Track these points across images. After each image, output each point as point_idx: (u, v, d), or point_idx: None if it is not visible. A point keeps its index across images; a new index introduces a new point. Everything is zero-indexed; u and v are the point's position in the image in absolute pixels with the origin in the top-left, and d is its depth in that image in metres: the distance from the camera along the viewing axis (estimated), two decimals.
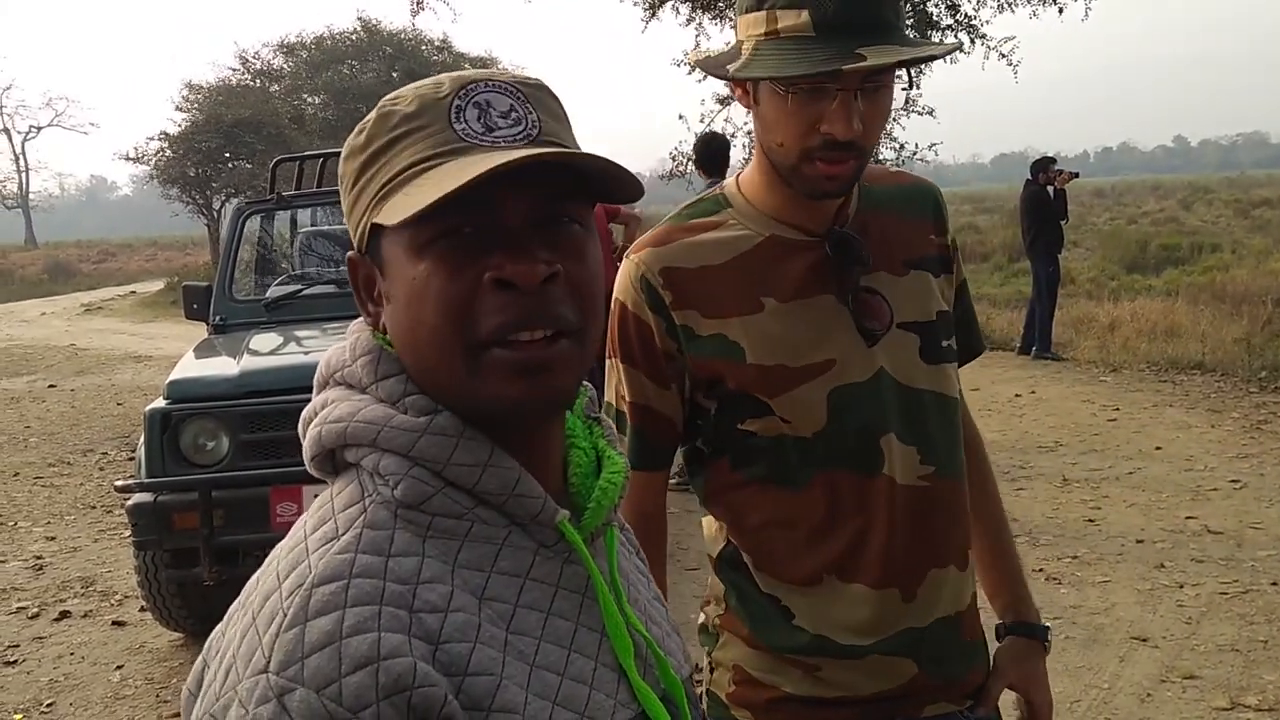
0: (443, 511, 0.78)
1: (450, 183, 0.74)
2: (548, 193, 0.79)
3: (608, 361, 1.53)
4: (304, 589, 0.71)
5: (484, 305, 0.77)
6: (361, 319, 0.88)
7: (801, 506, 1.43)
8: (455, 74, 0.83)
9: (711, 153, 6.31)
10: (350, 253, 0.87)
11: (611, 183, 0.82)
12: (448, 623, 0.73)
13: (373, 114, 0.84)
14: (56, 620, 5.04)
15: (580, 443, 0.90)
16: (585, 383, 0.92)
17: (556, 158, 0.77)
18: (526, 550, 0.81)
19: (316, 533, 0.77)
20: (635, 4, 16.23)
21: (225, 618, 0.79)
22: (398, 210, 0.77)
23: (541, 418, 0.82)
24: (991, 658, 1.60)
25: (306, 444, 0.84)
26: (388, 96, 0.84)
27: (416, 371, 0.82)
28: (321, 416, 0.83)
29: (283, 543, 0.80)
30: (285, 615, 0.70)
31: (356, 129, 0.85)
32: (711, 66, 1.42)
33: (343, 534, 0.76)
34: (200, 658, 0.79)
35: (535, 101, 0.82)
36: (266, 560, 0.80)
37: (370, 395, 0.82)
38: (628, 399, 1.50)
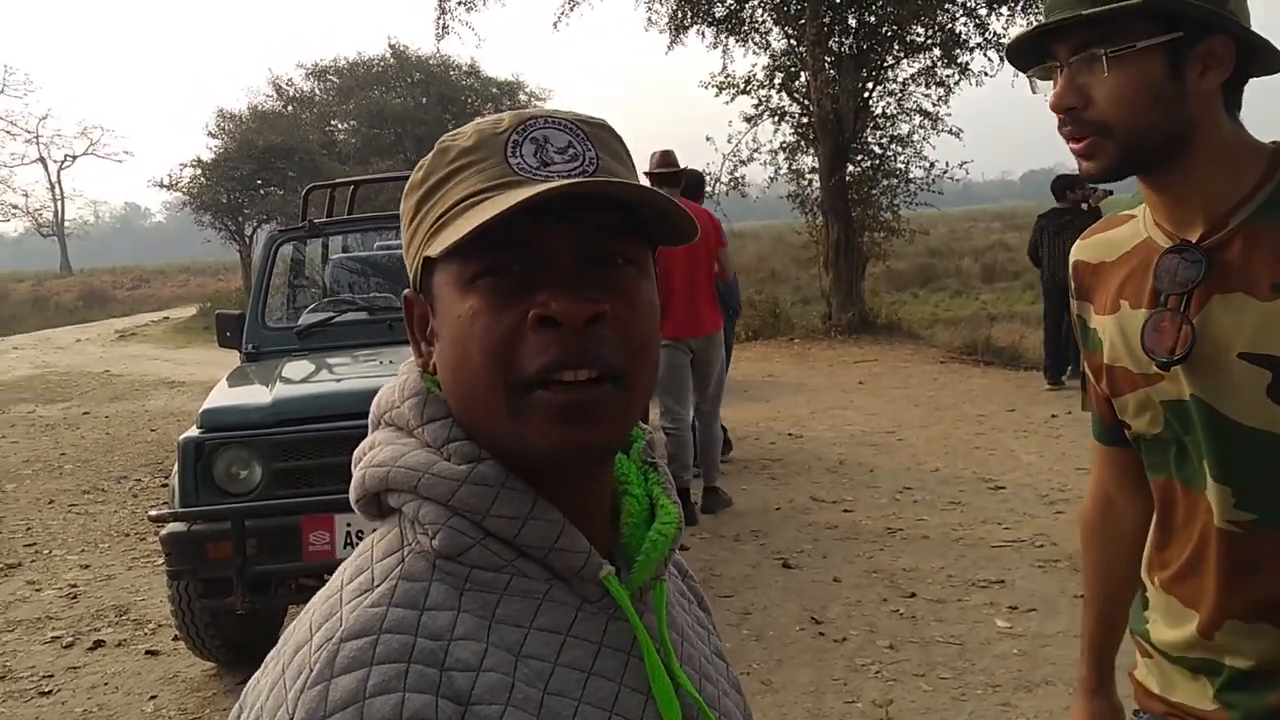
0: (482, 564, 0.76)
1: (489, 213, 0.72)
2: (600, 231, 0.77)
3: None
4: (332, 643, 0.70)
5: (527, 344, 0.75)
6: (412, 358, 0.87)
7: (1155, 504, 1.48)
8: (516, 110, 0.81)
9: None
10: (406, 291, 0.86)
11: (663, 221, 0.80)
12: (479, 683, 0.71)
13: (433, 150, 0.83)
14: (91, 649, 5.04)
15: (634, 489, 0.87)
16: (642, 425, 0.89)
17: (596, 188, 0.75)
18: (568, 606, 0.78)
19: (353, 583, 0.76)
20: (661, 31, 16.40)
21: (263, 664, 0.78)
22: (442, 242, 0.76)
23: (582, 467, 0.79)
24: None
25: (352, 486, 0.83)
26: (448, 133, 0.83)
27: (461, 413, 0.80)
28: (367, 459, 0.82)
29: (322, 590, 0.79)
30: (312, 670, 0.69)
31: (417, 166, 0.84)
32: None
33: (378, 585, 0.75)
34: (237, 704, 0.77)
35: (595, 139, 0.80)
36: (306, 607, 0.79)
37: (416, 439, 0.81)
38: (1087, 369, 1.57)
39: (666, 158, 6.66)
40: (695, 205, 6.68)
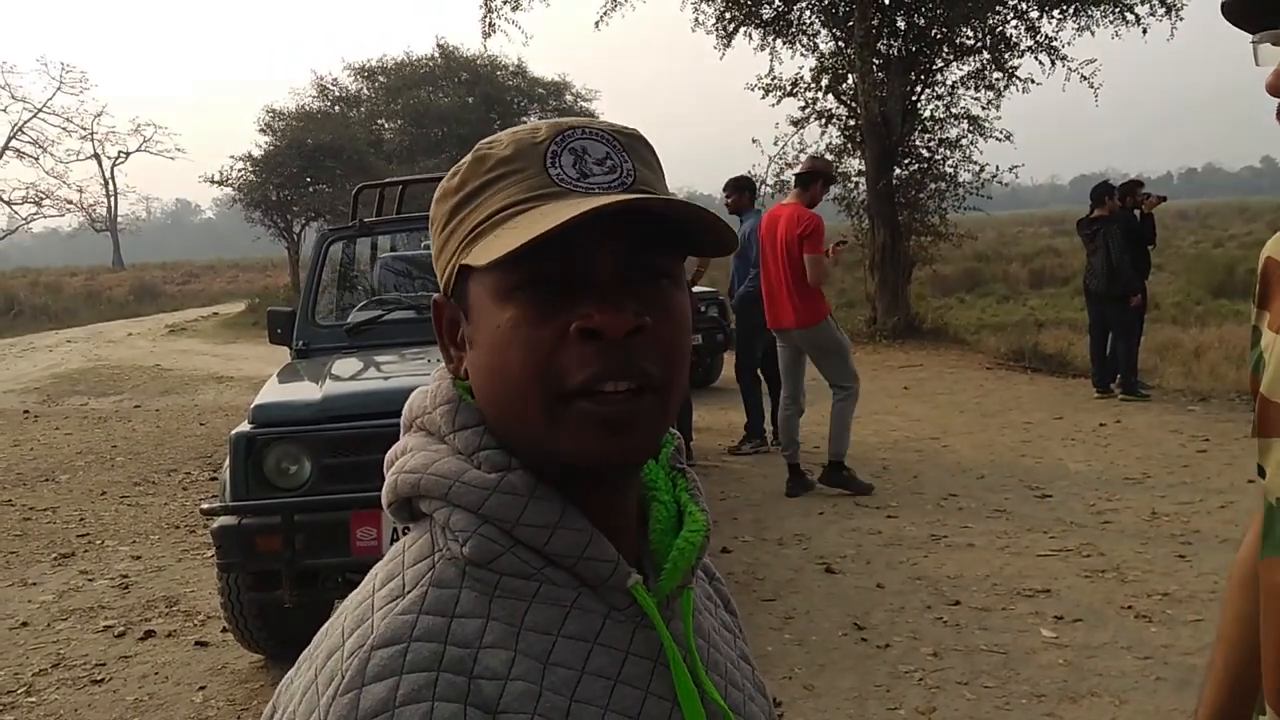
0: (511, 571, 0.77)
1: (541, 226, 0.72)
2: (639, 243, 0.77)
3: None
4: (364, 650, 0.71)
5: (570, 356, 0.75)
6: (443, 362, 0.87)
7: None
8: (552, 120, 0.82)
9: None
10: (435, 295, 0.86)
11: (705, 234, 0.80)
12: (507, 691, 0.71)
13: (468, 157, 0.83)
14: (142, 639, 5.13)
15: (662, 496, 0.87)
16: (672, 430, 0.89)
17: (652, 204, 0.75)
18: (596, 614, 0.79)
19: (384, 588, 0.77)
20: (709, 32, 16.40)
21: (296, 665, 0.79)
22: (488, 251, 0.76)
23: (619, 475, 0.80)
24: None
25: (384, 490, 0.84)
26: (484, 140, 0.83)
27: (495, 420, 0.80)
28: (399, 465, 0.83)
29: (354, 593, 0.80)
30: (344, 677, 0.70)
31: (450, 172, 0.84)
32: None
33: (409, 591, 0.76)
34: (270, 703, 0.79)
35: (630, 150, 0.81)
36: (337, 610, 0.80)
37: (448, 445, 0.82)
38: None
39: (808, 163, 7.55)
40: (785, 206, 7.29)
